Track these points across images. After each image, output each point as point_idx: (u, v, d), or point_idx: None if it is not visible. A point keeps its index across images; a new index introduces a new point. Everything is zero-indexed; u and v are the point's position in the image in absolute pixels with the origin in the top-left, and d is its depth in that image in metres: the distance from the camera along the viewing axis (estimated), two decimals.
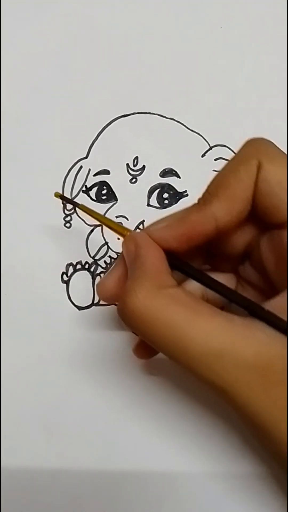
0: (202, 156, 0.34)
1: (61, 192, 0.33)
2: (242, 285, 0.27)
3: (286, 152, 0.24)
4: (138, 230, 0.33)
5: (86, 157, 0.34)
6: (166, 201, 0.34)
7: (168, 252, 0.24)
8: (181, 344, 0.21)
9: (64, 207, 0.34)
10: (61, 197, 0.30)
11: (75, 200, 0.34)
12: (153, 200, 0.34)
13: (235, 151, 0.34)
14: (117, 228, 0.27)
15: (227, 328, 0.21)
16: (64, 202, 0.31)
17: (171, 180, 0.34)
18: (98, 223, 0.34)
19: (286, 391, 0.20)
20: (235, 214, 0.23)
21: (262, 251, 0.24)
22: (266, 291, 0.26)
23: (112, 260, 0.34)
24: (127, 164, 0.34)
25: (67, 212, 0.34)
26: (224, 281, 0.25)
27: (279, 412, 0.21)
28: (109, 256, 0.34)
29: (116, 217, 0.34)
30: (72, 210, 0.34)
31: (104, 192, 0.34)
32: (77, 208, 0.33)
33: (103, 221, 0.28)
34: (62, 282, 0.34)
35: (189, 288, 0.26)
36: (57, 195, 0.30)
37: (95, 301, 0.33)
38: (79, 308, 0.33)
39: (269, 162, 0.23)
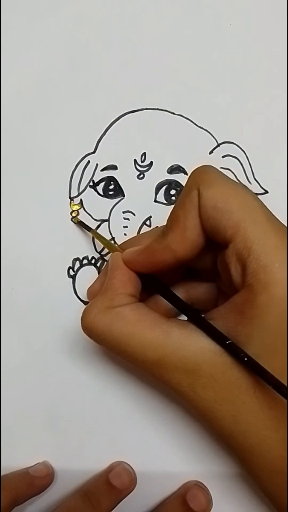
0: (210, 153, 0.34)
1: (68, 189, 0.34)
2: (222, 293, 0.29)
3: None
4: (145, 225, 0.34)
5: (93, 152, 0.34)
6: (173, 198, 0.34)
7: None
8: (127, 354, 0.26)
9: (71, 202, 0.34)
10: (79, 222, 0.33)
11: (82, 194, 0.34)
12: (160, 196, 0.34)
13: (243, 149, 0.34)
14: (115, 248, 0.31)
15: (162, 340, 0.25)
16: (80, 226, 0.34)
17: (178, 177, 0.34)
18: (104, 218, 0.34)
19: (211, 394, 0.24)
20: (189, 243, 0.25)
21: (219, 268, 0.27)
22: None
23: None
24: (135, 160, 0.34)
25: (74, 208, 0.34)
26: (205, 290, 0.30)
27: (205, 410, 0.25)
28: None
29: (123, 212, 0.34)
30: (79, 205, 0.34)
31: (111, 187, 0.34)
32: (83, 203, 0.34)
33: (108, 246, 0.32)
34: (69, 276, 0.34)
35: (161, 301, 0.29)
36: (76, 220, 0.34)
37: None
38: (85, 302, 0.33)
39: (206, 189, 0.24)
